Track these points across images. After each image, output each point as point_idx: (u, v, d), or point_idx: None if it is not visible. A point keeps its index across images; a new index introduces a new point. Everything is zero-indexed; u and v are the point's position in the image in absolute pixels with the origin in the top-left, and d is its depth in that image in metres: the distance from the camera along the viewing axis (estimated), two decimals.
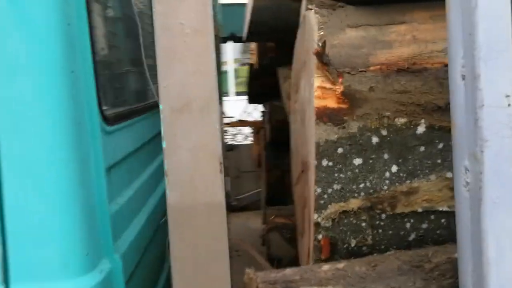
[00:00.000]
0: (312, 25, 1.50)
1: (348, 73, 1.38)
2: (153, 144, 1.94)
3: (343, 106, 1.39)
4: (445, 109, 1.41)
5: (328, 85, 1.38)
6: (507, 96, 1.17)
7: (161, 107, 0.90)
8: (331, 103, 1.39)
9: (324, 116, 1.39)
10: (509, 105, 1.17)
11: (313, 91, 1.42)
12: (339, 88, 1.38)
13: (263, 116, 4.02)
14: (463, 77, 1.21)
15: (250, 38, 2.92)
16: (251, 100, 4.18)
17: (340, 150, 1.41)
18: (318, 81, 1.39)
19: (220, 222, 0.93)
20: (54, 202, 1.02)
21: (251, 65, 3.71)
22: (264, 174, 3.60)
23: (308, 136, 1.59)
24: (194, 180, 0.91)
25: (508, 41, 1.15)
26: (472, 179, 1.23)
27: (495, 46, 1.15)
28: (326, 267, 1.41)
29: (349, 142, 1.40)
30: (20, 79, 0.96)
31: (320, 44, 1.36)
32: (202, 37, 0.89)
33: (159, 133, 1.01)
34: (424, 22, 1.45)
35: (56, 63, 0.96)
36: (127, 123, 1.43)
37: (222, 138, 0.93)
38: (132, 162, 1.49)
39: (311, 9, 1.54)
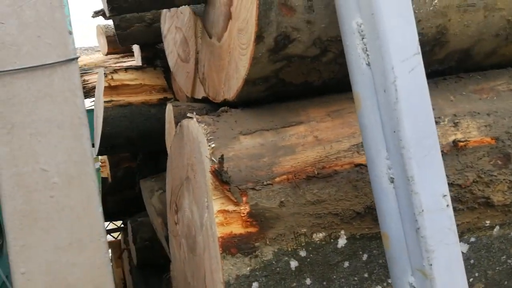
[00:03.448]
0: (196, 136, 1.25)
1: (253, 189, 1.14)
2: None
3: (252, 230, 1.13)
4: (364, 215, 1.23)
5: (231, 208, 1.13)
6: (444, 195, 1.02)
7: None
8: (237, 228, 1.13)
9: (232, 246, 1.11)
10: (447, 205, 1.02)
11: (211, 217, 1.15)
12: (245, 209, 1.13)
13: (124, 235, 3.57)
14: (392, 180, 1.04)
15: (103, 152, 2.58)
16: (107, 218, 3.72)
17: (255, 285, 1.13)
18: (217, 204, 1.13)
19: None
20: None
21: (103, 179, 3.31)
22: None
23: (203, 269, 1.29)
24: None
25: (435, 134, 1.02)
26: None
27: (423, 142, 1.00)
28: None
29: (264, 273, 1.14)
30: None
31: (216, 160, 1.11)
32: (80, 188, 0.58)
33: None
34: (322, 120, 1.29)
35: None
36: None
37: None
38: None
39: (191, 117, 1.30)
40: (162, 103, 2.27)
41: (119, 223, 4.28)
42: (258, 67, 1.22)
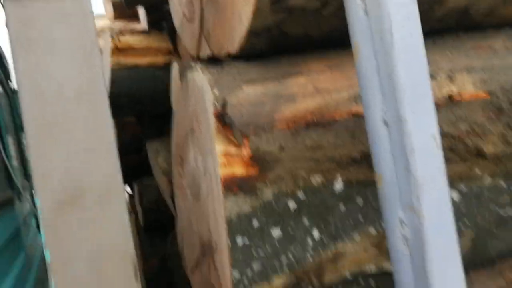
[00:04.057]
0: (201, 86, 1.31)
1: (254, 133, 1.20)
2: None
3: (253, 171, 1.20)
4: (360, 162, 1.29)
5: (233, 150, 1.19)
6: (434, 137, 1.08)
7: (38, 202, 0.62)
8: (239, 169, 1.19)
9: (233, 186, 1.18)
10: (437, 146, 1.08)
11: (214, 160, 1.22)
12: (246, 152, 1.19)
13: (130, 201, 3.66)
14: (386, 123, 1.10)
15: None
16: None
17: (255, 222, 1.20)
18: (220, 146, 1.19)
19: None
20: None
21: None
22: (139, 264, 3.22)
23: (207, 212, 1.36)
24: None
25: (428, 78, 1.07)
26: (411, 233, 1.10)
27: (417, 86, 1.06)
28: None
29: (264, 212, 1.21)
30: None
31: (219, 104, 1.17)
32: (91, 101, 0.65)
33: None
34: (322, 72, 1.34)
35: None
36: None
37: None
38: None
39: (195, 69, 1.36)
40: (168, 66, 2.33)
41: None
42: (261, 17, 1.26)
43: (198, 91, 1.33)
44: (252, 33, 1.31)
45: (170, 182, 2.27)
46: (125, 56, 2.35)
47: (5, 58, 2.62)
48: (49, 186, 0.62)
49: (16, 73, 0.64)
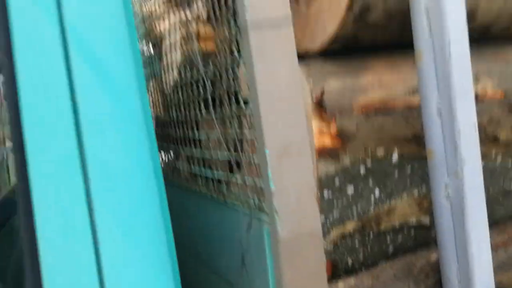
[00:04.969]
0: None
1: (339, 115, 1.62)
2: None
3: (337, 143, 1.62)
4: (411, 140, 1.73)
5: (324, 127, 1.61)
6: (474, 124, 1.52)
7: (267, 152, 1.03)
8: (328, 141, 1.61)
9: (324, 153, 1.60)
10: (475, 130, 1.52)
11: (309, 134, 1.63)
12: (333, 129, 1.61)
13: None
14: (440, 113, 1.54)
15: None
16: None
17: (336, 181, 1.63)
18: (315, 123, 1.61)
19: (321, 248, 1.09)
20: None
21: None
22: None
23: None
24: (298, 214, 1.06)
25: (471, 81, 1.51)
26: (453, 192, 1.54)
27: (464, 87, 1.50)
28: (341, 285, 1.60)
29: (343, 174, 1.64)
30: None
31: (318, 92, 1.59)
32: (292, 99, 1.06)
33: None
34: (384, 71, 1.77)
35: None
36: None
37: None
38: None
39: None
40: None
41: None
42: (343, 29, 1.68)
43: None
44: (333, 39, 1.72)
45: None
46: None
47: None
48: (274, 140, 1.03)
49: (251, 68, 1.04)
